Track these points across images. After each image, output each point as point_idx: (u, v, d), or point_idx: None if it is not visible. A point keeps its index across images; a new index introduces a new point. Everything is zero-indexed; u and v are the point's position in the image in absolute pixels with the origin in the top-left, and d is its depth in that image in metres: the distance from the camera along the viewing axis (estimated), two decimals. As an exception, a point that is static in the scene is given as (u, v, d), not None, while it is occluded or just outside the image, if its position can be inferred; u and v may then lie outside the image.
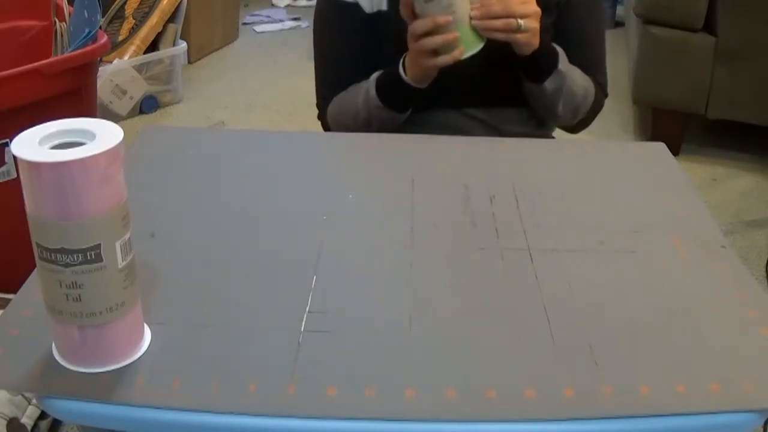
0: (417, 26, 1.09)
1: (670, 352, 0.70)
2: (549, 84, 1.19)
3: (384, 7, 1.21)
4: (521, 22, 1.08)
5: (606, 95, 1.33)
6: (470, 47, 1.10)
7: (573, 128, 1.34)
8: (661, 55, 2.33)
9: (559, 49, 1.19)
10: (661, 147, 1.10)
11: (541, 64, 1.17)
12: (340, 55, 1.28)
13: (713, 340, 0.72)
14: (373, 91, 1.20)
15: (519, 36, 1.09)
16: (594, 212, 0.92)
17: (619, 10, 3.60)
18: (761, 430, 0.86)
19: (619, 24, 3.51)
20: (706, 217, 0.92)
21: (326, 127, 1.33)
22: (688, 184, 1.00)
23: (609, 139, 2.49)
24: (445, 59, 1.10)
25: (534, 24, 1.10)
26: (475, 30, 1.09)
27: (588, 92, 1.26)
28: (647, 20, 2.33)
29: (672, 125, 2.44)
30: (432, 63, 1.11)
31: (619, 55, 3.02)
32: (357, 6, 1.21)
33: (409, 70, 1.15)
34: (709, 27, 2.27)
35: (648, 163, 1.05)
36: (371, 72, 1.23)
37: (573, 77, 1.21)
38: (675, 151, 2.42)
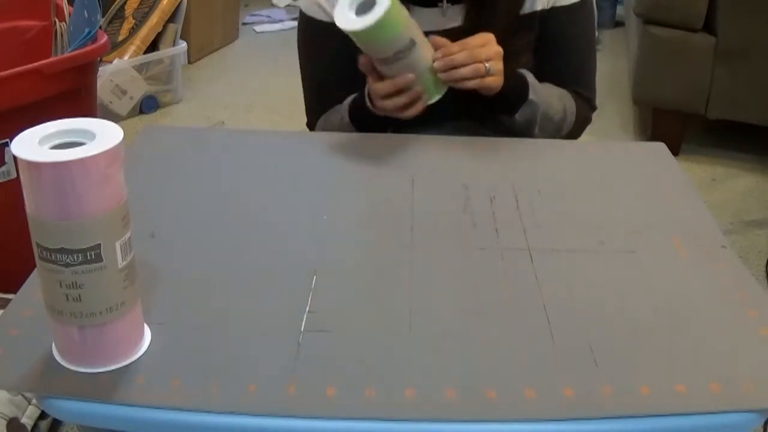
0: (379, 89, 1.06)
1: (670, 352, 0.70)
2: (520, 115, 1.16)
3: None
4: (488, 65, 1.05)
5: (594, 109, 1.29)
6: (435, 93, 1.09)
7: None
8: (661, 55, 2.33)
9: (528, 76, 1.16)
10: (661, 147, 1.10)
11: (508, 99, 1.14)
12: (322, 76, 1.27)
13: (713, 340, 0.72)
14: (346, 117, 1.20)
15: (488, 80, 1.06)
16: (594, 212, 0.92)
17: (619, 10, 3.60)
18: (761, 430, 0.86)
19: (619, 24, 3.52)
20: (706, 217, 0.92)
21: None
22: (688, 184, 1.00)
23: (609, 139, 2.49)
24: (409, 113, 1.08)
25: (499, 65, 1.07)
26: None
27: (568, 112, 1.22)
28: (647, 20, 2.33)
29: (672, 125, 2.44)
30: (397, 116, 1.09)
31: (619, 55, 3.02)
32: (334, 26, 1.20)
33: (372, 101, 1.13)
34: (709, 27, 2.27)
35: (648, 163, 1.05)
36: (355, 89, 1.23)
37: (549, 101, 1.18)
38: (675, 151, 2.42)
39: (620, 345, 0.71)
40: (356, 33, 1.02)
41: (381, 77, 1.07)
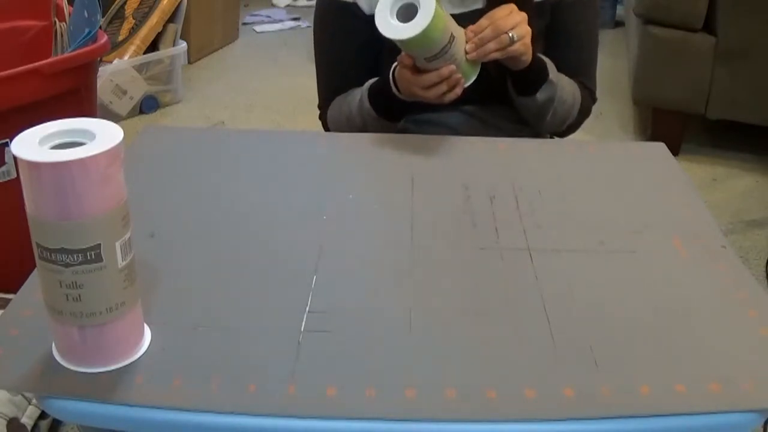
0: (424, 81, 1.09)
1: (670, 352, 0.70)
2: (540, 95, 1.18)
3: None
4: (512, 33, 1.08)
5: (594, 101, 1.32)
6: (469, 77, 1.12)
7: (561, 133, 1.34)
8: (661, 55, 2.33)
9: (546, 59, 1.19)
10: (661, 147, 1.10)
11: (533, 76, 1.17)
12: (339, 57, 1.27)
13: (713, 340, 0.72)
14: (366, 102, 1.20)
15: (513, 48, 1.09)
16: (594, 212, 0.92)
17: (619, 10, 3.60)
18: (761, 430, 0.86)
19: (619, 24, 3.51)
20: (706, 217, 0.92)
21: (326, 129, 1.33)
22: (688, 184, 1.00)
23: (609, 139, 2.49)
24: (449, 98, 1.11)
25: (524, 29, 1.09)
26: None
27: (576, 100, 1.25)
28: (647, 20, 2.33)
29: (672, 125, 2.44)
30: (438, 102, 1.12)
31: (619, 55, 3.02)
32: (356, 6, 1.21)
33: (402, 89, 1.15)
34: (709, 27, 2.27)
35: (648, 163, 1.05)
36: (372, 73, 1.23)
37: (562, 86, 1.21)
38: (675, 151, 2.42)
39: (620, 345, 0.71)
40: (403, 41, 1.03)
41: (419, 69, 1.09)
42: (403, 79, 1.12)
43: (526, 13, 1.11)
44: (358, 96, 1.22)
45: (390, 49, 1.10)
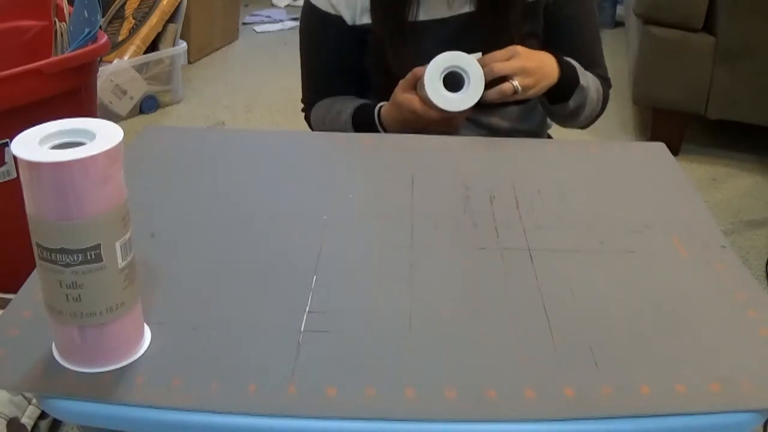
0: (428, 114, 1.11)
1: (671, 352, 0.70)
2: (573, 101, 1.19)
3: (365, 20, 1.21)
4: (515, 83, 1.09)
5: (610, 86, 1.33)
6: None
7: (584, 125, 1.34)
8: (661, 55, 2.33)
9: (576, 63, 1.19)
10: (661, 147, 1.10)
11: (564, 86, 1.18)
12: (322, 64, 1.30)
13: (713, 340, 0.72)
14: (350, 128, 1.22)
15: (517, 97, 1.11)
16: (594, 212, 0.92)
17: (619, 10, 3.60)
18: (761, 430, 0.86)
19: (619, 24, 3.52)
20: (706, 217, 0.92)
21: (310, 126, 1.37)
22: (688, 184, 1.00)
23: (609, 139, 2.49)
24: (449, 130, 1.14)
25: (526, 79, 1.10)
26: None
27: (600, 94, 1.26)
28: (647, 20, 2.33)
29: (672, 125, 2.44)
30: (435, 133, 1.14)
31: (619, 55, 3.02)
32: (340, 18, 1.22)
33: (391, 125, 1.17)
34: (709, 27, 2.27)
35: (648, 163, 1.05)
36: (353, 79, 1.26)
37: (589, 84, 1.21)
38: (675, 151, 2.42)
39: (620, 345, 0.71)
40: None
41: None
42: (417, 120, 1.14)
43: (521, 13, 1.12)
44: (343, 118, 1.24)
45: (377, 55, 1.12)
